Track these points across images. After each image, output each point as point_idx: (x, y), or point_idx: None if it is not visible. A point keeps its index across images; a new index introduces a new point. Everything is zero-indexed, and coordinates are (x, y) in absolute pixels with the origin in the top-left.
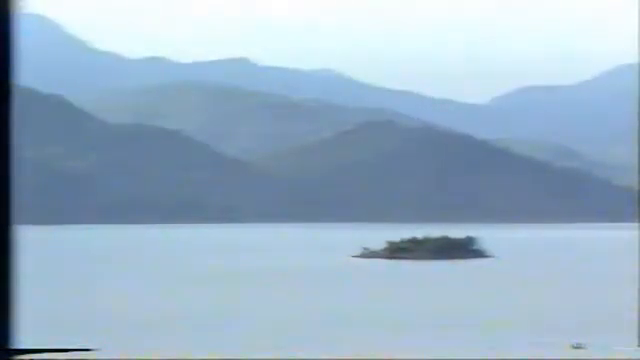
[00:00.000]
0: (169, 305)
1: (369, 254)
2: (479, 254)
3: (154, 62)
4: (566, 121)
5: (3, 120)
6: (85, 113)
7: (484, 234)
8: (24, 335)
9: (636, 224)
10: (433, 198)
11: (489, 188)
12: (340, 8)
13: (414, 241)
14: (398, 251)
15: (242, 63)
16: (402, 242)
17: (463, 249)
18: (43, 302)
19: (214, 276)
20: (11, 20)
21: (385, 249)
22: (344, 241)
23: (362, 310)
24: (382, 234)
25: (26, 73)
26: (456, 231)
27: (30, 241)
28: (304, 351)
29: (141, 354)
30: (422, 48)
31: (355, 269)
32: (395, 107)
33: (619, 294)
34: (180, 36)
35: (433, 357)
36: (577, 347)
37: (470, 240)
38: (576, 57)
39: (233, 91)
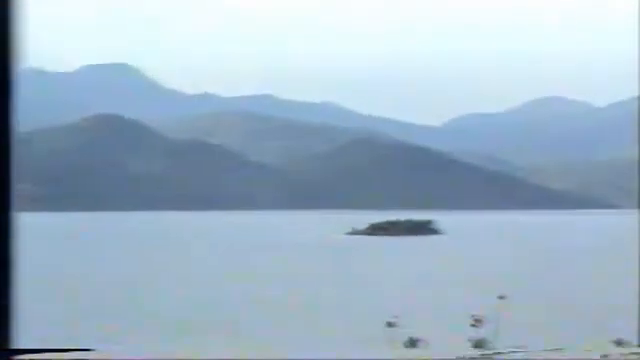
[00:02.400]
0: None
1: (356, 232)
2: (435, 232)
3: (205, 97)
4: (499, 139)
5: (4, 113)
6: (153, 132)
7: (439, 218)
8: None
9: (546, 211)
10: (403, 192)
11: (443, 185)
12: (337, 52)
13: (390, 222)
14: (378, 230)
15: (268, 98)
16: (381, 223)
17: (424, 228)
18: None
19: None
20: (11, 22)
21: (368, 228)
22: (337, 223)
23: (354, 270)
24: (365, 218)
25: (114, 106)
26: (419, 215)
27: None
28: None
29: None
30: (392, 83)
31: (347, 242)
32: (375, 128)
33: (537, 261)
34: (224, 77)
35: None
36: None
37: (429, 222)
38: (510, 87)
39: (261, 117)
